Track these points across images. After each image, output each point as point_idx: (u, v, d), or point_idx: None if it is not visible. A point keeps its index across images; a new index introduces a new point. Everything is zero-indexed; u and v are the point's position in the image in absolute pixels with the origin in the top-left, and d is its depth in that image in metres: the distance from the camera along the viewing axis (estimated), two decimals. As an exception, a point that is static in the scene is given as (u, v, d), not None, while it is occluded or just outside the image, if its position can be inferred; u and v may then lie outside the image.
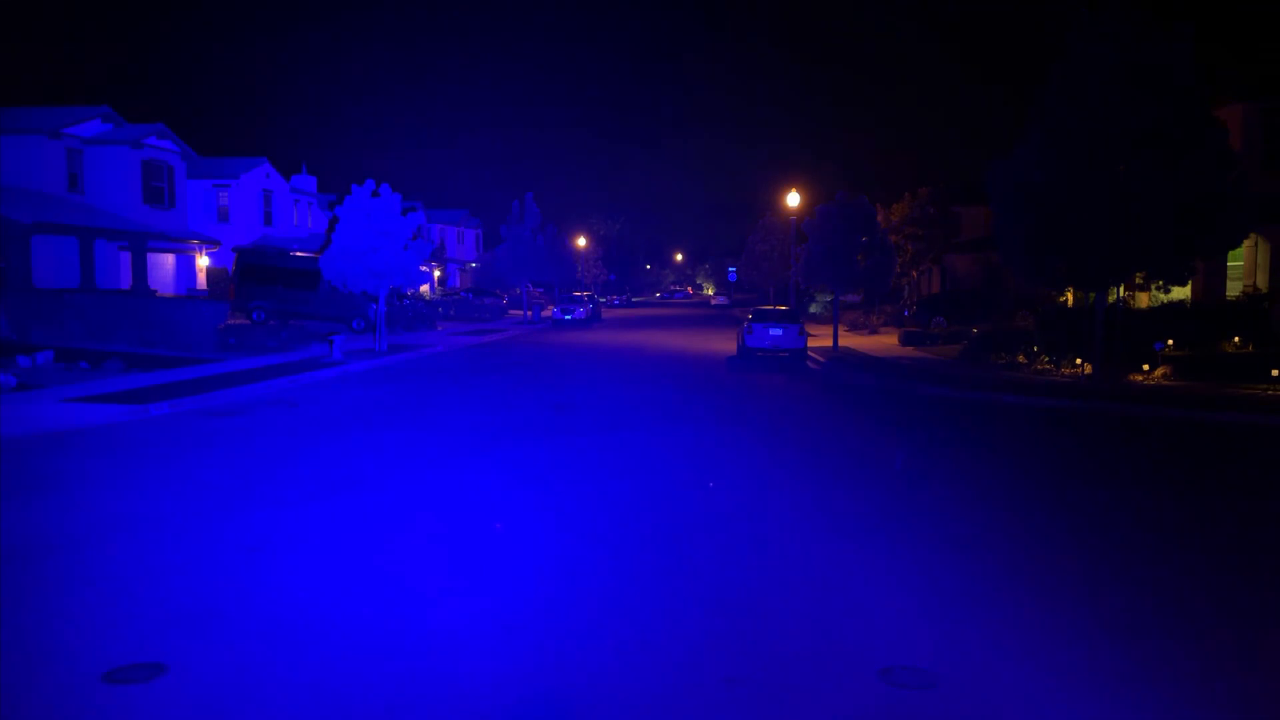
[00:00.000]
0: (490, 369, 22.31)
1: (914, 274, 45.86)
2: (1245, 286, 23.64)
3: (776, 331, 24.40)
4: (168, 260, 37.01)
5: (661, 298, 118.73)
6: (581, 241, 71.33)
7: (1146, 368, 19.13)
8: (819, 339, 30.66)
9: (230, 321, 29.38)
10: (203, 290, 38.21)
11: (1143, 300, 23.98)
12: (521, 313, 50.93)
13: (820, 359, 24.36)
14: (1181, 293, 22.40)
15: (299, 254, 37.21)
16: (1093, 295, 17.03)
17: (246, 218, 42.00)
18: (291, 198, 46.73)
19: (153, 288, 33.21)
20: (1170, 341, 19.70)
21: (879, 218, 28.99)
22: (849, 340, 30.72)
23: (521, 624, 5.74)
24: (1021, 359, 21.48)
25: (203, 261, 38.79)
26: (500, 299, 51.78)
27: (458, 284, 65.80)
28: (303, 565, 6.89)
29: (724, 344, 31.32)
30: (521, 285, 51.35)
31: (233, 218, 41.64)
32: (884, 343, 30.06)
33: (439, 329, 37.10)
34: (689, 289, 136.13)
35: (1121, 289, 18.97)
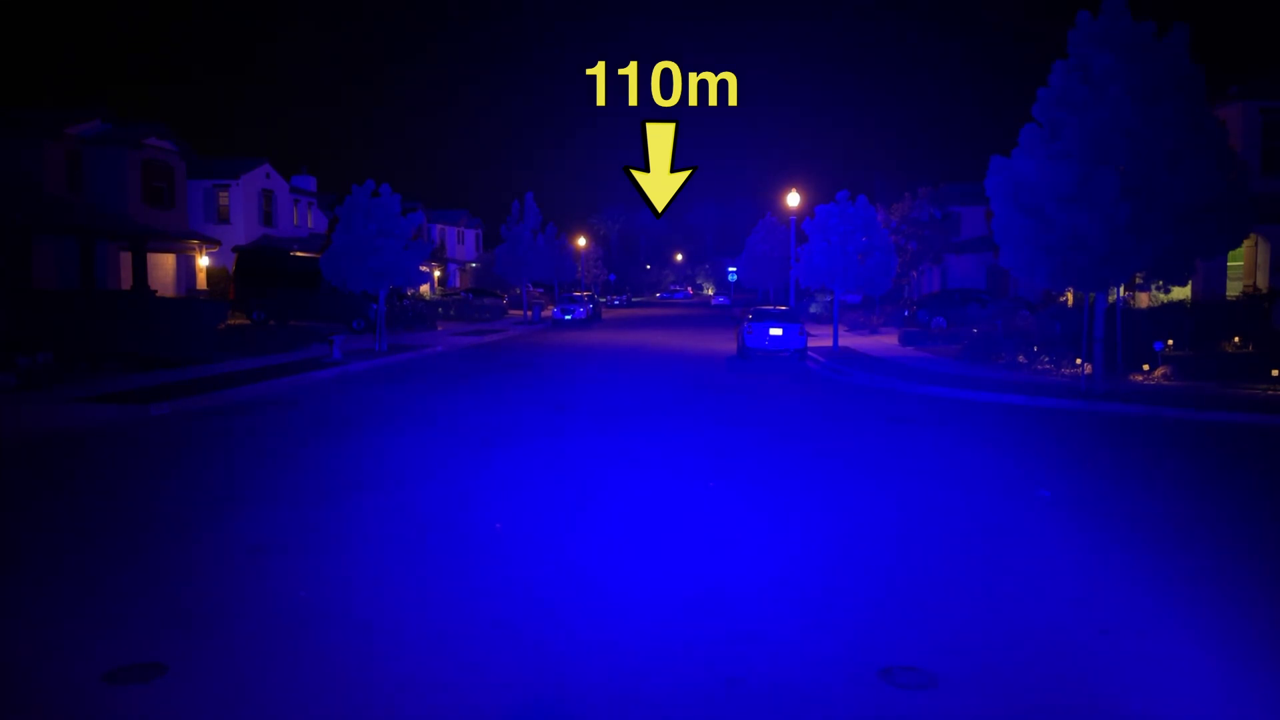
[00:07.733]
0: (490, 369, 22.31)
1: (914, 274, 45.90)
2: (1245, 286, 23.67)
3: (776, 331, 24.41)
4: (168, 260, 37.00)
5: (662, 298, 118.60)
6: (581, 241, 71.30)
7: (1147, 368, 19.13)
8: (819, 339, 30.66)
9: (230, 321, 29.40)
10: (203, 290, 38.19)
11: (1143, 300, 23.99)
12: (521, 313, 50.91)
13: (820, 359, 24.35)
14: (1181, 293, 22.40)
15: (299, 254, 37.21)
16: (1093, 295, 17.03)
17: (246, 218, 42.00)
18: (291, 198, 46.74)
19: (153, 288, 33.21)
20: (1170, 341, 19.71)
21: (879, 218, 28.96)
22: (849, 340, 30.71)
23: (524, 627, 5.76)
24: (1021, 359, 21.47)
25: (203, 261, 38.79)
26: (500, 299, 51.74)
27: (458, 284, 65.77)
28: (306, 566, 6.89)
29: (724, 344, 31.32)
30: (521, 285, 51.35)
31: (233, 218, 41.65)
32: (884, 343, 30.04)
33: (439, 329, 37.09)
34: (689, 289, 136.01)
35: (1121, 289, 18.97)
